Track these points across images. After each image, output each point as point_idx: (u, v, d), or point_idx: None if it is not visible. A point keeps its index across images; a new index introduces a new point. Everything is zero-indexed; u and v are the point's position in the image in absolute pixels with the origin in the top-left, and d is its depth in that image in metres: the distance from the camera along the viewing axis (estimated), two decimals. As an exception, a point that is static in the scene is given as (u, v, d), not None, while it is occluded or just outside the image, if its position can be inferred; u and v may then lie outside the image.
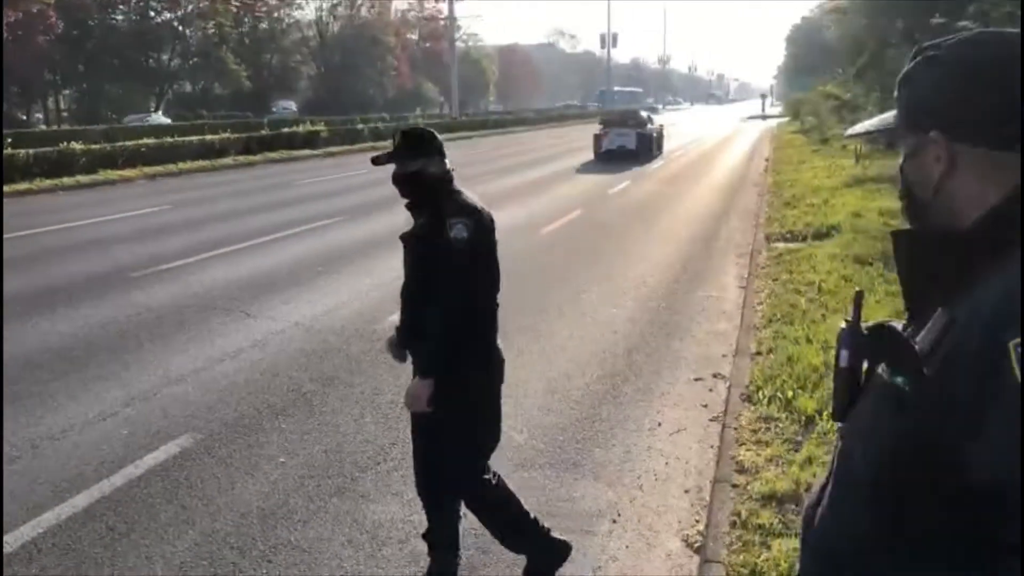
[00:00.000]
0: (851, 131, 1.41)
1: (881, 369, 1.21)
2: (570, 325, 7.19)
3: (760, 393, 5.22)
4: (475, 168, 22.00)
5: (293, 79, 64.08)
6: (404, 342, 3.17)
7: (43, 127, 41.17)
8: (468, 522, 3.85)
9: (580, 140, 37.17)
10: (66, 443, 4.77)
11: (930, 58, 1.20)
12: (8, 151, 19.60)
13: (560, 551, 3.38)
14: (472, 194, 3.06)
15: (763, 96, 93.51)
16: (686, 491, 4.23)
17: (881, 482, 1.16)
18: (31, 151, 19.57)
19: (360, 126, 35.92)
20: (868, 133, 1.35)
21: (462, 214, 2.91)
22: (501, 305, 3.10)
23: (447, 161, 3.05)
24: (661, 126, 29.86)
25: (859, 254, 9.07)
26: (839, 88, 26.51)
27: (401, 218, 3.15)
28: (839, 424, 1.35)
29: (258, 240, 11.29)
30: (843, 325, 1.35)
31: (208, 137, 25.67)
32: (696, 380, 5.84)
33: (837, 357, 1.34)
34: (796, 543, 1.93)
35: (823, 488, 1.34)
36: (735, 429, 4.78)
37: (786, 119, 49.94)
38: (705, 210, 14.68)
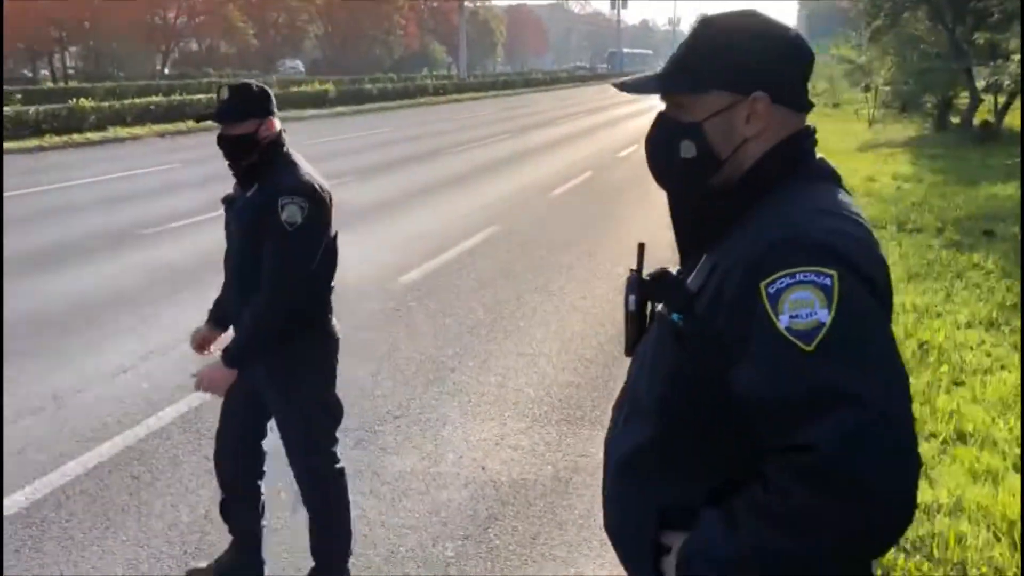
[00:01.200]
0: (622, 85, 1.44)
1: (661, 308, 1.39)
2: (582, 285, 7.21)
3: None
4: (492, 128, 21.82)
5: (300, 38, 63.52)
6: (234, 323, 2.89)
7: (50, 84, 40.93)
8: (487, 473, 3.93)
9: (593, 102, 36.90)
10: (88, 395, 4.84)
11: (732, 26, 1.32)
12: (18, 107, 19.58)
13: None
14: (308, 165, 2.80)
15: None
16: (700, 448, 4.28)
17: (661, 403, 1.34)
18: (40, 108, 19.54)
19: (369, 86, 35.69)
20: (642, 90, 1.39)
21: (297, 193, 2.63)
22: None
23: (278, 123, 2.80)
24: None
25: (873, 217, 9.05)
26: (852, 51, 26.18)
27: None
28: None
29: (269, 199, 11.27)
30: (629, 274, 1.52)
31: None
32: (709, 340, 5.86)
33: (626, 302, 1.50)
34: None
35: (619, 410, 1.52)
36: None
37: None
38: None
